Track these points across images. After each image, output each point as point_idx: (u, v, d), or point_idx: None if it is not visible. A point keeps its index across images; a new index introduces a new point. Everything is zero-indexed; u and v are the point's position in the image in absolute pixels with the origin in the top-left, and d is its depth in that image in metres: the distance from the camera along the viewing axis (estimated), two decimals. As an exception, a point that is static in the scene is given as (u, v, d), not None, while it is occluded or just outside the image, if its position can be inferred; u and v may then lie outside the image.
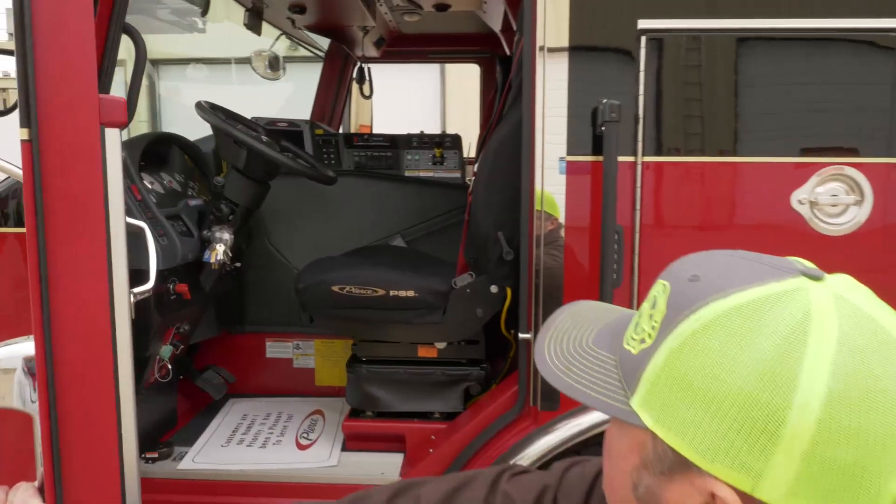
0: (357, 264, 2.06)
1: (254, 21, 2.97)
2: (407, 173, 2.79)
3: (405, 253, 2.42)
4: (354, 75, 3.60)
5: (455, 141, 2.83)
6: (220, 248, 2.05)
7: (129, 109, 1.69)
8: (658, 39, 1.60)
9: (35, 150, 1.37)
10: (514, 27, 2.71)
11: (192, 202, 2.21)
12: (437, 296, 1.92)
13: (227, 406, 2.43)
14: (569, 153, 1.67)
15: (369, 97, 3.63)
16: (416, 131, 2.89)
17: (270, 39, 3.59)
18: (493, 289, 1.91)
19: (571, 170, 1.66)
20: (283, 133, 2.69)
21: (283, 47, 3.62)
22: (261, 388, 2.57)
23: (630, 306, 1.68)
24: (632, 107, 1.61)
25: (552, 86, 1.64)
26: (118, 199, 1.42)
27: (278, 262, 2.56)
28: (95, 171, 1.39)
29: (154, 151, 2.26)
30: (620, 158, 1.60)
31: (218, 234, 2.07)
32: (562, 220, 1.67)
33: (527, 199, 1.69)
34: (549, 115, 1.65)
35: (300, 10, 2.97)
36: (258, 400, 2.50)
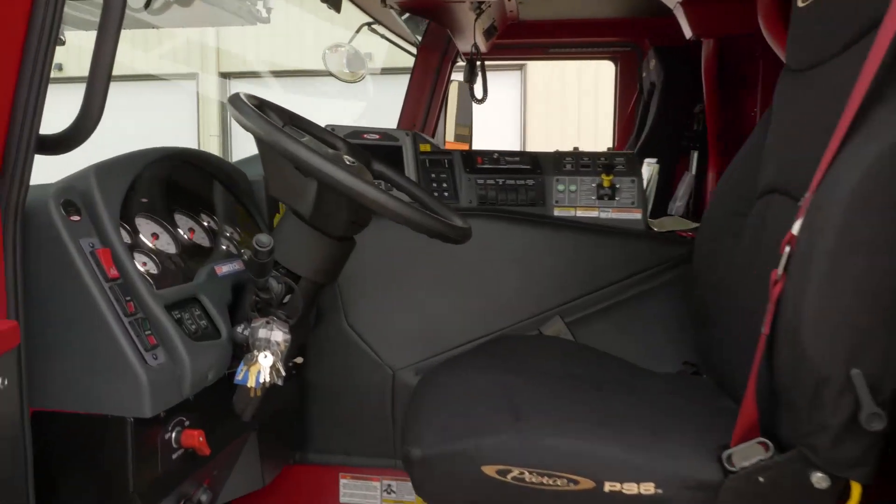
0: (518, 401, 1.08)
1: (332, -9, 2.08)
2: (556, 212, 1.81)
3: (587, 360, 1.40)
4: (464, 73, 2.66)
5: (630, 164, 1.83)
6: (265, 364, 1.11)
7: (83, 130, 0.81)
8: None
9: None
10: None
11: (224, 267, 1.29)
12: (699, 490, 0.92)
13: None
14: None
15: (482, 101, 2.68)
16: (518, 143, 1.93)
17: (349, 33, 2.76)
18: (820, 480, 0.91)
19: None
20: (374, 149, 1.77)
21: (380, 58, 2.75)
22: (330, 551, 1.63)
23: None
24: None
25: None
26: None
27: (361, 353, 1.61)
28: None
29: (168, 178, 1.36)
30: None
31: (263, 334, 1.14)
32: None
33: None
34: None
35: (398, -27, 2.06)
36: (326, 575, 1.56)
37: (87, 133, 0.93)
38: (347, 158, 1.23)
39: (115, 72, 0.94)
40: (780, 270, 0.91)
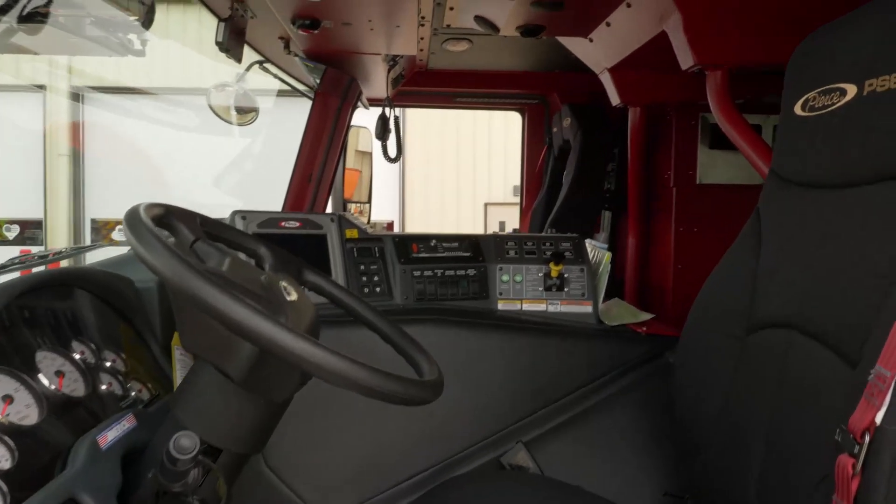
0: None
1: (232, 40, 1.78)
2: (501, 305, 1.61)
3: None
4: (376, 129, 2.42)
5: (578, 250, 1.68)
6: None
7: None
8: None
9: None
10: (694, 62, 1.58)
11: (110, 433, 0.95)
12: None
13: None
14: None
15: (396, 160, 2.45)
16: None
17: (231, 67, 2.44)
18: None
19: None
20: (295, 240, 1.48)
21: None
22: None
23: None
24: None
25: None
26: None
27: (284, 501, 1.31)
28: None
29: (22, 306, 1.01)
30: None
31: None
32: None
33: None
34: None
35: (311, 24, 1.79)
36: None
37: None
38: (284, 285, 0.95)
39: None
40: (858, 464, 0.75)
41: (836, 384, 0.85)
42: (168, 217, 0.94)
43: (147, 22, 2.00)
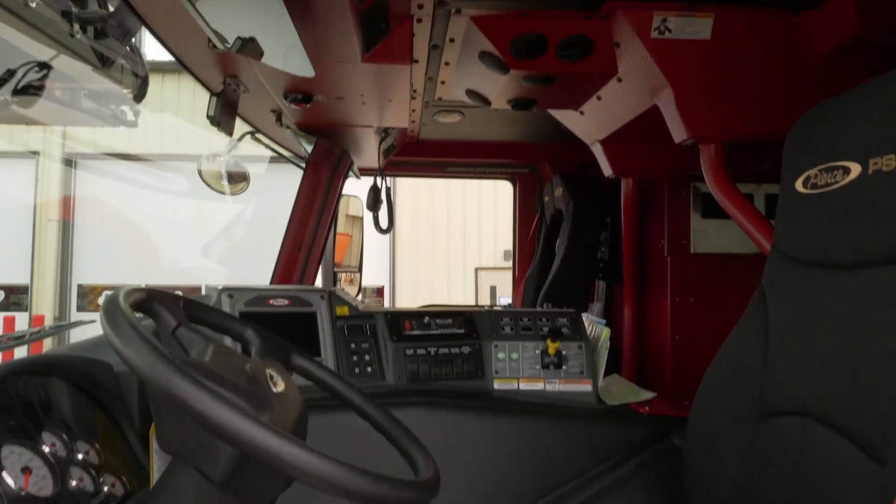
0: None
1: (224, 114, 1.77)
2: (497, 384, 1.55)
3: None
4: (367, 199, 2.40)
5: (576, 325, 1.63)
6: None
7: None
8: None
9: None
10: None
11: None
12: None
13: None
14: None
15: (387, 231, 2.42)
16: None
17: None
18: None
19: None
20: (284, 318, 1.43)
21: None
22: None
23: None
24: None
25: None
26: None
27: None
28: None
29: (1, 393, 0.95)
30: None
31: None
32: None
33: None
34: None
35: (304, 98, 1.79)
36: None
37: None
38: (271, 374, 0.90)
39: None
40: None
41: (861, 480, 0.80)
42: (150, 302, 0.89)
43: (140, 96, 1.99)
